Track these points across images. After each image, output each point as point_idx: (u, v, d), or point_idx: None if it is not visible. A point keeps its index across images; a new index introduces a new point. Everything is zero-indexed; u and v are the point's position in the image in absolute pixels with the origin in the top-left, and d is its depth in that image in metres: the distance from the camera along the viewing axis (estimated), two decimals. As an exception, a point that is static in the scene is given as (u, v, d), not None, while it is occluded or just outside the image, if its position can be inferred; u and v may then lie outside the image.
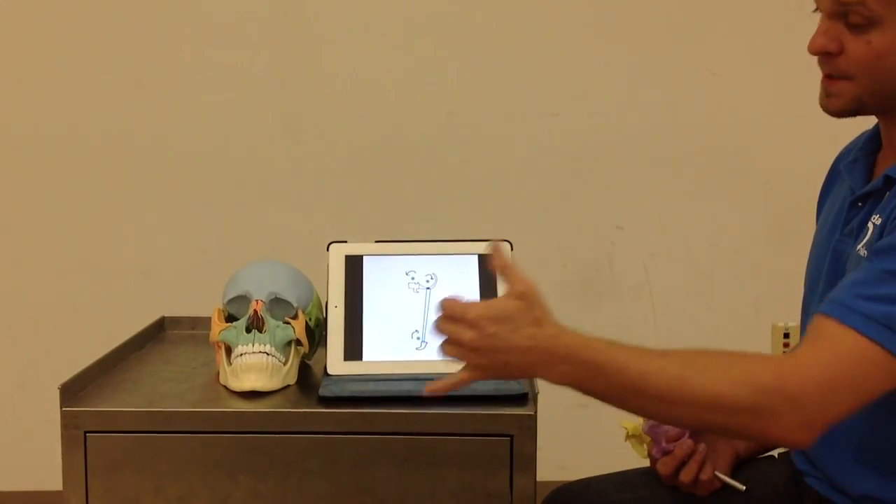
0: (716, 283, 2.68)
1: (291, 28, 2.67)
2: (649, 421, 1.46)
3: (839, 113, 1.32)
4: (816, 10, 1.30)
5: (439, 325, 1.16)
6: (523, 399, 1.37)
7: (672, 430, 1.45)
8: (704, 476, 1.45)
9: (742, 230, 2.73)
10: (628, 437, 1.50)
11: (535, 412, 1.34)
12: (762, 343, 2.74)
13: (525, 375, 1.24)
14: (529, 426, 1.33)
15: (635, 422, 1.45)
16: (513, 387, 1.40)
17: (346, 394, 1.38)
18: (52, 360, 2.67)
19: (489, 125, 2.70)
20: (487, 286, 1.52)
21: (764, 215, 2.73)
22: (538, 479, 1.34)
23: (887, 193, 1.30)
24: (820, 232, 1.47)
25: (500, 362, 1.15)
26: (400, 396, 1.37)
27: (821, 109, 1.34)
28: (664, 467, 1.46)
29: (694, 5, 2.67)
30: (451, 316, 1.16)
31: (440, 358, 1.45)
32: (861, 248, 1.29)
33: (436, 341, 1.39)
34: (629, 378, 1.14)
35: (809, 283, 1.46)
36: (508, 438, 1.33)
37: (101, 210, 2.71)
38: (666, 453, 1.46)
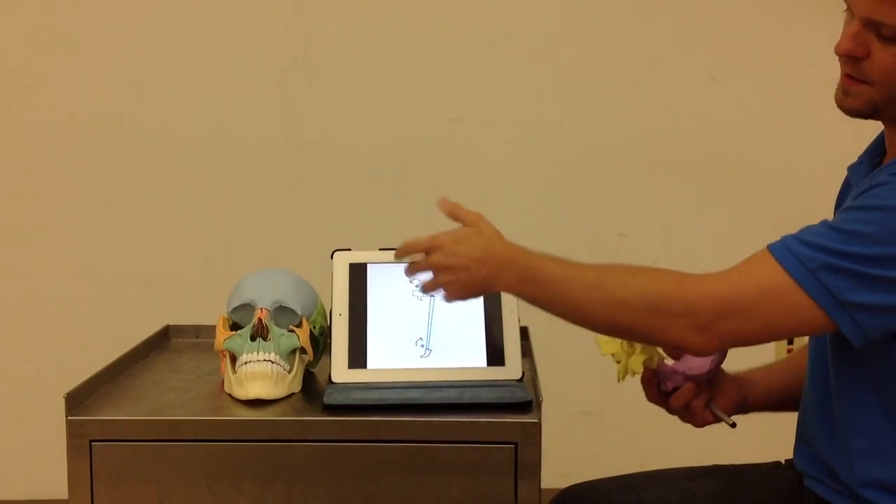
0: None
1: (294, 37, 2.67)
2: (661, 362, 1.46)
3: (853, 113, 1.33)
4: (847, 9, 1.30)
5: (411, 259, 1.35)
6: (527, 407, 1.38)
7: (677, 377, 1.46)
8: (697, 403, 1.46)
9: (745, 236, 2.71)
10: (604, 353, 1.47)
11: (540, 420, 1.34)
12: (766, 349, 2.73)
13: (486, 288, 1.34)
14: (534, 434, 1.33)
15: (610, 342, 1.45)
16: (517, 394, 1.40)
17: (350, 402, 1.38)
18: (57, 369, 2.68)
19: (491, 132, 2.70)
20: (490, 293, 1.53)
21: (767, 221, 2.72)
22: (542, 486, 1.34)
23: None
24: None
25: (464, 276, 1.31)
26: (404, 404, 1.38)
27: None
28: (650, 393, 1.49)
29: (695, 11, 2.67)
30: (418, 246, 1.34)
31: (443, 366, 1.46)
32: None
33: (440, 348, 1.43)
34: (556, 282, 1.29)
35: None
36: (513, 446, 1.33)
37: (106, 219, 2.71)
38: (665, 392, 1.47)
